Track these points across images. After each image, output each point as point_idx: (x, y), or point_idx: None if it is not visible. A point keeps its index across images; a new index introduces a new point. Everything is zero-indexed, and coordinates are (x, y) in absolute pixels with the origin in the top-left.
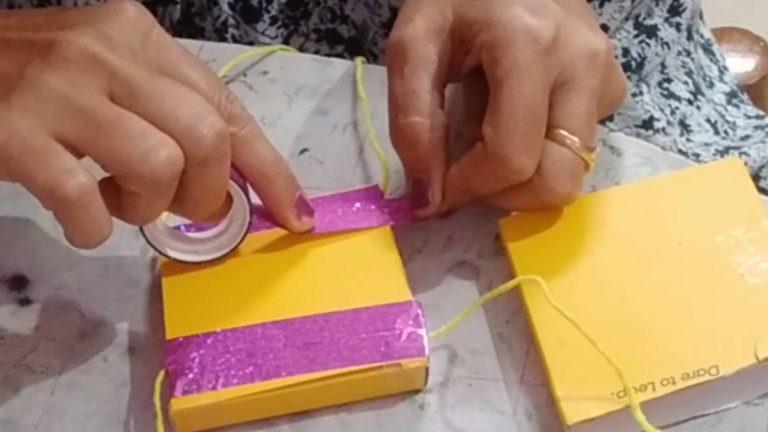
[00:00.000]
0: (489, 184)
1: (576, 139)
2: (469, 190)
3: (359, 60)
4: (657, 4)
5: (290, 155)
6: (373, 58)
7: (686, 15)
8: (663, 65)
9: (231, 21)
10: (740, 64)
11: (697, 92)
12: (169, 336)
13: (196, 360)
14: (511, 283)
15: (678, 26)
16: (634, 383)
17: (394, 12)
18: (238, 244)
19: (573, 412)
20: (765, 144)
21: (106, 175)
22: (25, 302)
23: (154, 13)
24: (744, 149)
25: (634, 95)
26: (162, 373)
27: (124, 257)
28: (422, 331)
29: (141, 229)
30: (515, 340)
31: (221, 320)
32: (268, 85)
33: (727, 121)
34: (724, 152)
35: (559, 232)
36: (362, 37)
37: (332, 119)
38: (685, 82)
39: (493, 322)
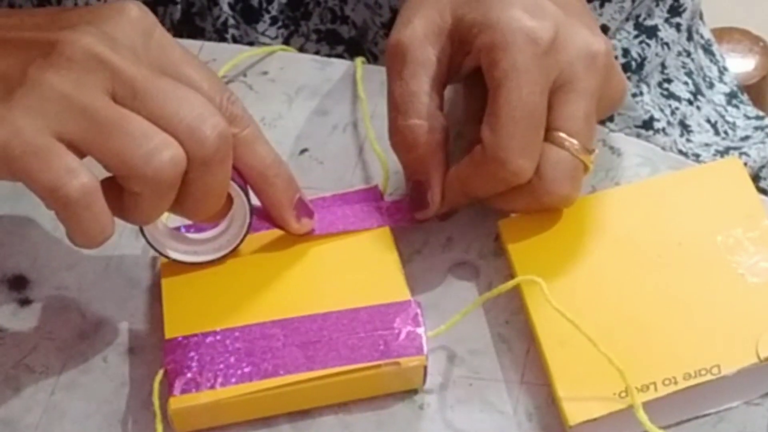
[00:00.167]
0: (488, 186)
1: (575, 141)
2: (468, 192)
3: (359, 60)
4: (657, 5)
5: (290, 155)
6: (373, 58)
7: (686, 15)
8: (663, 66)
9: (231, 21)
10: (740, 64)
11: (697, 93)
12: (167, 335)
13: (195, 359)
14: (510, 284)
15: (678, 27)
16: (636, 383)
17: (395, 12)
18: (238, 244)
19: (575, 412)
20: (765, 144)
21: (108, 175)
22: (25, 302)
23: (155, 13)
24: (744, 150)
25: (634, 95)
26: (161, 373)
27: (124, 257)
28: (421, 331)
29: (141, 230)
30: (515, 340)
31: (220, 320)
32: (268, 86)
33: (727, 122)
34: (724, 153)
35: (559, 233)
36: (362, 37)
37: (332, 119)
38: (685, 83)
39: (492, 322)
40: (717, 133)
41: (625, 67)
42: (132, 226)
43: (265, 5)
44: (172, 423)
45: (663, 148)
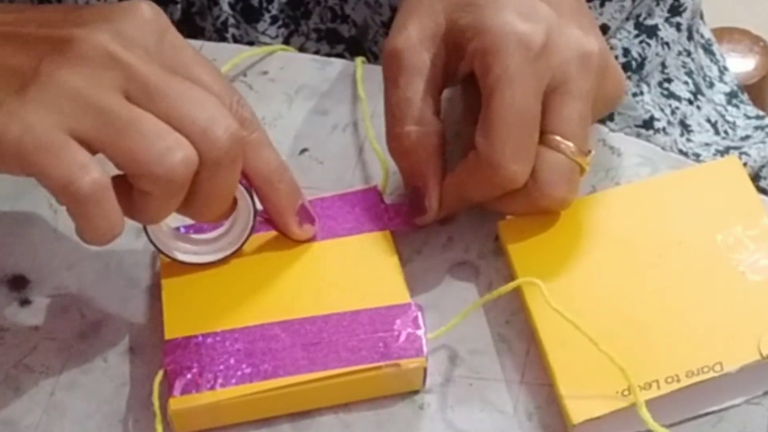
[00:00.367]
0: (483, 191)
1: (570, 143)
2: (465, 197)
3: (359, 60)
4: (657, 4)
5: (290, 155)
6: (373, 57)
7: (687, 15)
8: (663, 65)
9: (231, 21)
10: (740, 64)
11: (697, 92)
12: (167, 336)
13: (195, 360)
14: (510, 285)
15: (678, 26)
16: (638, 382)
17: (395, 11)
18: (241, 246)
19: (578, 411)
20: (765, 144)
21: (118, 172)
22: (25, 302)
23: None
24: (744, 149)
25: (634, 95)
26: (160, 373)
27: (124, 257)
28: (421, 333)
29: (145, 230)
30: (515, 340)
31: (220, 321)
32: (268, 85)
33: (727, 121)
34: (724, 152)
35: (559, 233)
36: (363, 36)
37: (332, 119)
38: (686, 82)
39: (493, 322)
40: (717, 132)
41: (626, 67)
42: (132, 226)
43: (265, 4)
44: (172, 423)
45: (663, 148)
